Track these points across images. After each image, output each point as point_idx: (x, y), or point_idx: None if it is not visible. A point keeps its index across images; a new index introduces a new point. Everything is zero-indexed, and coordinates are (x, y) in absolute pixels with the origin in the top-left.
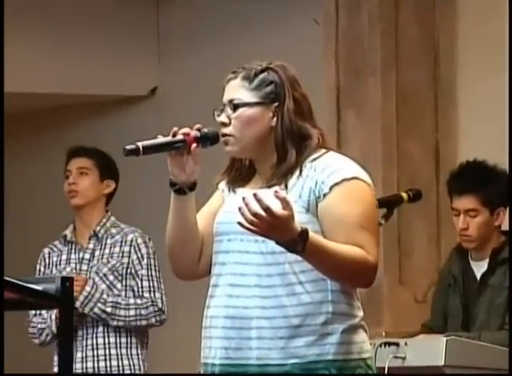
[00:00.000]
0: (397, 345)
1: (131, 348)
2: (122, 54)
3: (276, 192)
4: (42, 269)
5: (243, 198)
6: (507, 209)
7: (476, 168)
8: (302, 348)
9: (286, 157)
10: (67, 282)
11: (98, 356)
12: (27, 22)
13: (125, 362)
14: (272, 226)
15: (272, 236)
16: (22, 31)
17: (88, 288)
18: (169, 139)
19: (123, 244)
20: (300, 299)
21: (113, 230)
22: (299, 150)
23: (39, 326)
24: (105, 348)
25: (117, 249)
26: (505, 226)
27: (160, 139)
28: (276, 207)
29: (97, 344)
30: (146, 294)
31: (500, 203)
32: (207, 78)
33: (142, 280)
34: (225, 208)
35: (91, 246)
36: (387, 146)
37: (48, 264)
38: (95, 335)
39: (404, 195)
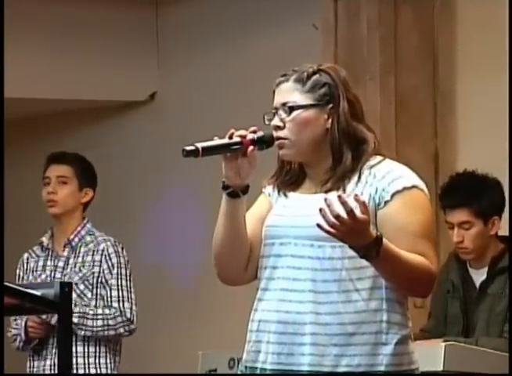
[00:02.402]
0: None
1: (99, 357)
2: (121, 59)
3: (356, 195)
4: (21, 274)
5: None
6: (501, 217)
7: (466, 180)
8: (356, 358)
9: (342, 160)
10: (66, 287)
11: None
12: (27, 27)
13: (92, 371)
14: (352, 230)
15: (349, 240)
16: (21, 37)
17: None
18: (227, 140)
19: (95, 252)
20: (356, 307)
21: (88, 238)
22: (355, 154)
23: (14, 331)
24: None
25: (89, 258)
26: (504, 230)
27: (218, 141)
28: (357, 211)
29: None
30: (115, 304)
31: (493, 212)
32: (206, 83)
33: (111, 290)
34: (277, 212)
35: (65, 254)
36: (386, 152)
37: (26, 269)
38: None
39: None
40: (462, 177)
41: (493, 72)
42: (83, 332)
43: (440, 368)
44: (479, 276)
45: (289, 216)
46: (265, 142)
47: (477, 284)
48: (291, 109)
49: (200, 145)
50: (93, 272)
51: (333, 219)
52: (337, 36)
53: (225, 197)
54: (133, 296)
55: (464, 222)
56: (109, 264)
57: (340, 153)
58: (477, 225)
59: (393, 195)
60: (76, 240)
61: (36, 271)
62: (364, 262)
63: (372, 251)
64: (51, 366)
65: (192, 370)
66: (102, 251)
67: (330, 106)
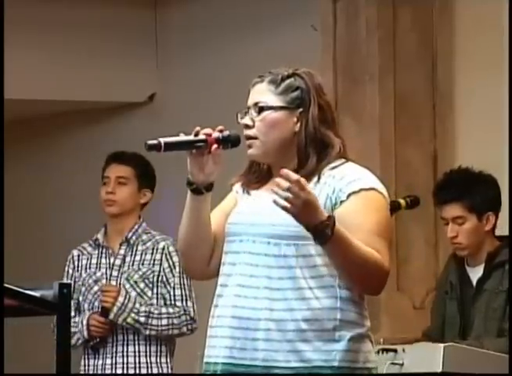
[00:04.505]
0: (395, 351)
1: (160, 356)
2: (120, 60)
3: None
4: (71, 271)
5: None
6: (497, 214)
7: (459, 176)
8: (308, 353)
9: (307, 163)
10: (65, 288)
11: (128, 363)
12: (26, 29)
13: (155, 370)
14: (305, 202)
15: (305, 215)
16: (20, 38)
17: (121, 299)
18: (191, 137)
19: (154, 251)
20: (309, 304)
21: (144, 237)
22: (319, 157)
23: (72, 329)
24: (135, 356)
25: (148, 256)
26: (505, 231)
27: (182, 137)
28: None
29: (127, 351)
30: (179, 303)
31: (487, 208)
32: (205, 84)
33: (174, 289)
34: (238, 209)
35: (122, 252)
36: (385, 153)
37: (78, 266)
38: (125, 342)
39: (402, 201)
40: (455, 173)
41: (492, 72)
42: (148, 331)
43: (439, 369)
44: (476, 273)
45: (248, 214)
46: (230, 142)
47: (474, 282)
48: (261, 109)
49: (162, 140)
50: (153, 271)
51: (285, 193)
52: (335, 37)
53: (188, 194)
54: (193, 295)
55: (458, 217)
56: (170, 262)
57: (305, 156)
58: (470, 221)
59: (349, 195)
60: (134, 237)
61: (89, 268)
62: (318, 261)
63: (326, 229)
64: (112, 364)
65: (191, 371)
66: (163, 249)
67: (300, 110)
